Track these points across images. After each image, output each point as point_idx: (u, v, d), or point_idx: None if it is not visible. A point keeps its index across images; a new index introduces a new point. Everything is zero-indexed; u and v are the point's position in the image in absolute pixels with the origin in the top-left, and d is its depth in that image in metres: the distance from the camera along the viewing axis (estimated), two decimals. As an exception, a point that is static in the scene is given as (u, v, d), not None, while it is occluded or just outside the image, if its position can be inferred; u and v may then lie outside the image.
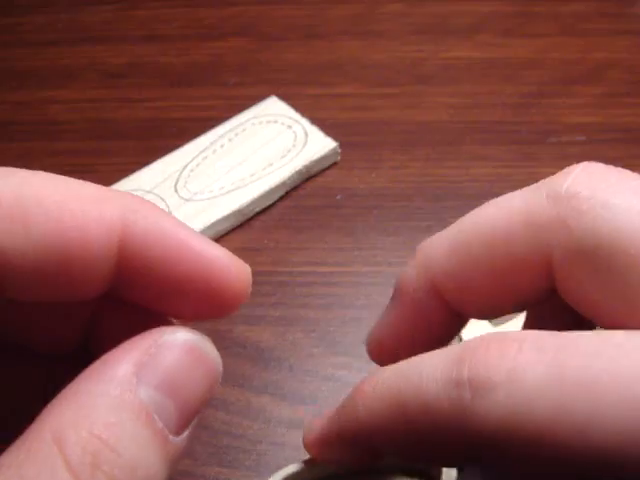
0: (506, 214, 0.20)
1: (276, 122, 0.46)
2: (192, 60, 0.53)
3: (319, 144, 0.45)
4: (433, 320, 0.22)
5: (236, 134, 0.46)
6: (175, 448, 0.17)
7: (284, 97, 0.48)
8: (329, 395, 0.35)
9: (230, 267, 0.19)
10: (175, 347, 0.18)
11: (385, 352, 0.23)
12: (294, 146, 0.45)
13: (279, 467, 0.32)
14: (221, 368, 0.19)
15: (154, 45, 0.54)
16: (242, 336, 0.37)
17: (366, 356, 0.23)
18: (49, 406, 0.17)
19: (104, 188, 0.19)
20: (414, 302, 0.22)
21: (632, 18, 0.54)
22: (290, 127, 0.46)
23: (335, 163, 0.45)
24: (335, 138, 0.45)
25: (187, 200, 0.42)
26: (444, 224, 0.21)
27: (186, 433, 0.18)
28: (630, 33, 0.52)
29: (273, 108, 0.47)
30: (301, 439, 0.22)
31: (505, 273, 0.20)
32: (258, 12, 0.56)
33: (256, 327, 0.38)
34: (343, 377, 0.35)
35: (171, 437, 0.17)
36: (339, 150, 0.45)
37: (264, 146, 0.45)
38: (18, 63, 0.54)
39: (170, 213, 0.19)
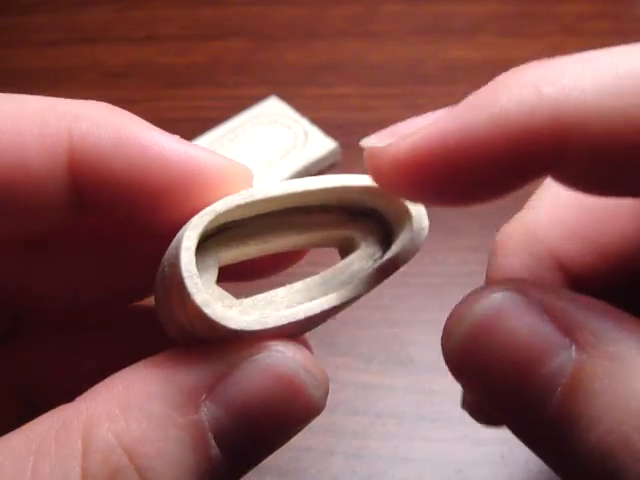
0: None
1: (276, 122, 0.46)
2: (192, 60, 0.53)
3: (319, 144, 0.45)
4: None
5: (236, 135, 0.46)
6: (227, 473, 0.15)
7: (284, 97, 0.48)
8: (328, 395, 0.35)
9: (213, 164, 0.17)
10: (265, 370, 0.15)
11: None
12: (294, 146, 0.45)
13: (279, 467, 0.32)
14: (319, 403, 0.16)
15: (154, 45, 0.54)
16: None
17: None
18: (96, 386, 0.15)
19: (51, 100, 0.17)
20: None
21: (632, 18, 0.54)
22: (290, 127, 0.46)
23: (335, 163, 0.45)
24: (335, 138, 0.45)
25: (187, 200, 0.42)
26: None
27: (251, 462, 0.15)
28: (630, 33, 0.52)
29: (273, 108, 0.47)
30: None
31: None
32: (258, 12, 0.56)
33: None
34: (342, 378, 0.35)
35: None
36: (339, 150, 0.45)
37: (264, 146, 0.45)
38: (18, 63, 0.54)
39: (134, 116, 0.17)
